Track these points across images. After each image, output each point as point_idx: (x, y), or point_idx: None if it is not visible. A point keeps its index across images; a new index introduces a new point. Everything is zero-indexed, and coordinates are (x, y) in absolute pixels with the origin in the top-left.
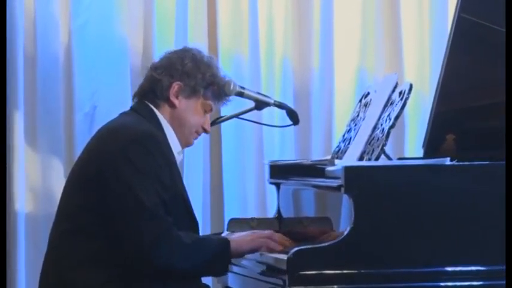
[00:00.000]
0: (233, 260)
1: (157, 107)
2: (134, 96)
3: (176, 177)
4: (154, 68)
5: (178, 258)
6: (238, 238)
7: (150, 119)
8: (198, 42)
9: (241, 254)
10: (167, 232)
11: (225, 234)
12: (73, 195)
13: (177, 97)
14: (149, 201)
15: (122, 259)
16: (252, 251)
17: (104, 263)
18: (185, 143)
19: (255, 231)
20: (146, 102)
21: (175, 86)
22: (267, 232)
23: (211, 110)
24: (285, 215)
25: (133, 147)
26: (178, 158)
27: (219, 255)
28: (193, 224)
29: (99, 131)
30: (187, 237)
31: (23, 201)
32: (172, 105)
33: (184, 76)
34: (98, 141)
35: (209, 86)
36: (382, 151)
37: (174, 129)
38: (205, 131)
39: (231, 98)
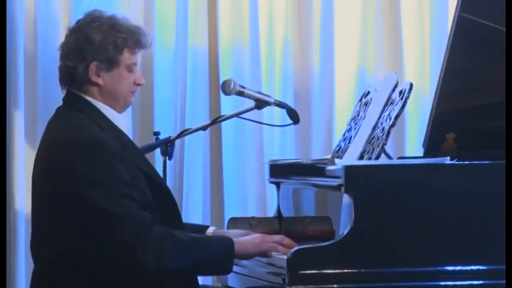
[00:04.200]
0: None
1: (85, 92)
2: (61, 86)
3: (136, 158)
4: (65, 55)
5: (171, 257)
6: (245, 240)
7: (87, 110)
8: (198, 42)
9: (246, 257)
10: (149, 231)
11: (212, 229)
12: (41, 221)
13: (98, 75)
14: (122, 209)
15: (115, 277)
16: (260, 254)
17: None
18: (125, 106)
19: (265, 235)
20: (75, 91)
21: (92, 67)
22: (277, 236)
23: (136, 63)
24: (285, 214)
25: (82, 161)
26: (127, 131)
27: (221, 255)
28: (168, 196)
29: (43, 139)
30: (182, 235)
31: (23, 201)
32: (97, 85)
33: (97, 54)
34: (46, 158)
35: (123, 49)
36: (383, 150)
37: (110, 104)
38: (139, 85)
39: (149, 40)
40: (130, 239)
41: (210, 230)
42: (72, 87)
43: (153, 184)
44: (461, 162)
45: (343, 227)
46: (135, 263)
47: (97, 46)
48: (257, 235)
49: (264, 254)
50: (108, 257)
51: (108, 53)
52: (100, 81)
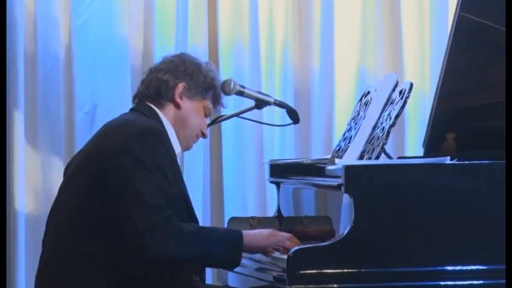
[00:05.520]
0: None
1: (160, 107)
2: (134, 98)
3: (177, 175)
4: (157, 70)
5: (176, 246)
6: (254, 232)
7: (152, 117)
8: (198, 42)
9: (254, 249)
10: (165, 221)
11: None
12: (73, 196)
13: (181, 98)
14: (149, 194)
15: (121, 259)
16: (267, 247)
17: (102, 264)
18: (185, 146)
19: (274, 230)
20: (147, 103)
21: (180, 86)
22: (286, 234)
23: (210, 113)
24: (285, 214)
25: (135, 141)
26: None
27: (229, 246)
28: (193, 221)
29: (100, 130)
30: (189, 226)
31: (23, 201)
32: (177, 106)
33: (188, 77)
34: (98, 140)
35: (210, 89)
36: (383, 150)
37: (176, 130)
38: (203, 135)
39: (225, 105)
40: (142, 223)
41: None
42: (149, 100)
43: (187, 205)
44: (461, 162)
45: (343, 227)
46: (141, 247)
47: (190, 71)
48: (266, 229)
49: (269, 250)
50: (119, 236)
51: (198, 82)
52: (181, 103)
